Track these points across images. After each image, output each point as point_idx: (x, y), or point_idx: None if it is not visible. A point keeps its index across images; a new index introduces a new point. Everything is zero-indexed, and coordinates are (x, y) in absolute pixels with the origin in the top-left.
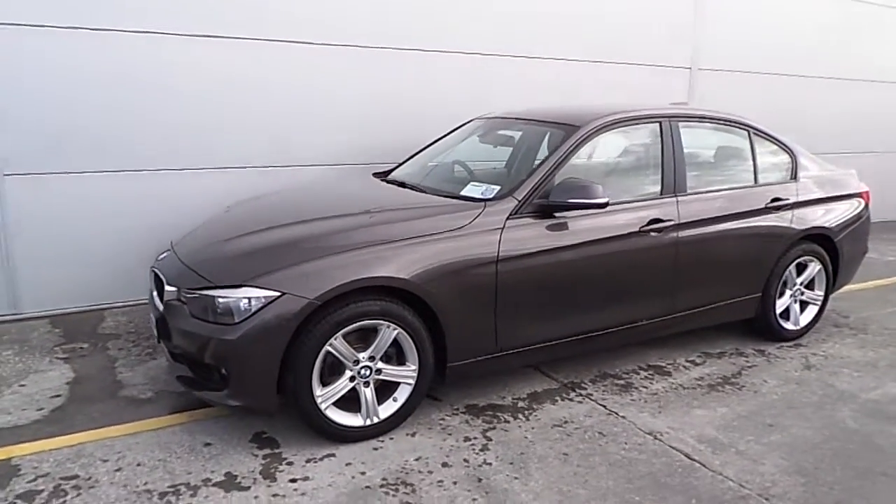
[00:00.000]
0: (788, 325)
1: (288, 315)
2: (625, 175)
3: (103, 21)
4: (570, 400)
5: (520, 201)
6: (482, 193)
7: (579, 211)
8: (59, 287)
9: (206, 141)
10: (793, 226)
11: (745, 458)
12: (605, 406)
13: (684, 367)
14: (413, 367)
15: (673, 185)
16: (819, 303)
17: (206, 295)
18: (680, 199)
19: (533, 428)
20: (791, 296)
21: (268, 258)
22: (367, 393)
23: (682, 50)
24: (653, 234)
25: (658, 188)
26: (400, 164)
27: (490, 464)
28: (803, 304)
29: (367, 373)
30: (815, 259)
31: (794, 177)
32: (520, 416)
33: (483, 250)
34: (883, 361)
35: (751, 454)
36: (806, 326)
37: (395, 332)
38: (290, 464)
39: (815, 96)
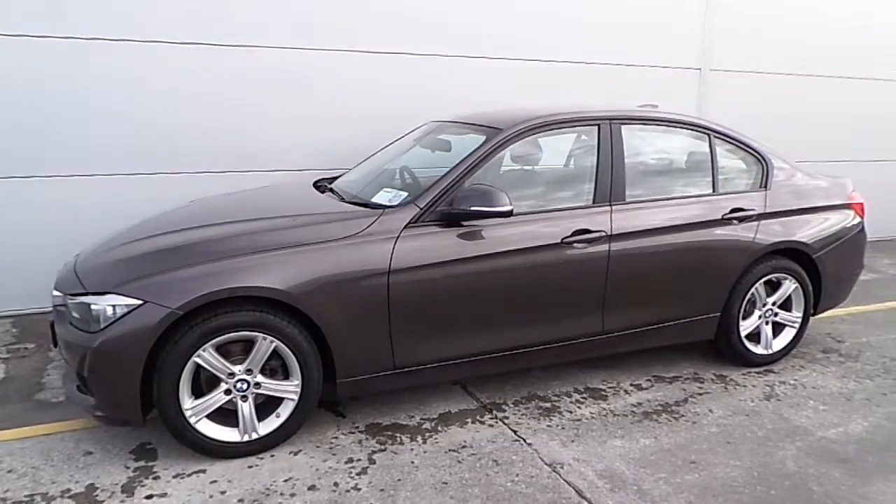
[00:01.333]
0: (757, 350)
1: (148, 324)
2: (553, 182)
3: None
4: (482, 423)
5: (422, 209)
6: (389, 200)
7: (493, 220)
8: (24, 287)
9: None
10: (758, 239)
11: (645, 499)
12: (515, 431)
13: (626, 391)
14: (296, 383)
15: (608, 193)
16: (796, 325)
17: (80, 301)
18: (615, 208)
19: (425, 452)
20: (760, 317)
21: (141, 265)
22: (245, 407)
23: (691, 49)
24: (577, 245)
25: (591, 196)
26: (351, 170)
27: (359, 489)
28: (778, 327)
29: (245, 386)
30: (789, 277)
31: (765, 185)
32: (419, 438)
33: (372, 260)
34: (860, 394)
35: (653, 495)
36: (780, 351)
37: (273, 344)
38: (156, 478)
39: (839, 98)
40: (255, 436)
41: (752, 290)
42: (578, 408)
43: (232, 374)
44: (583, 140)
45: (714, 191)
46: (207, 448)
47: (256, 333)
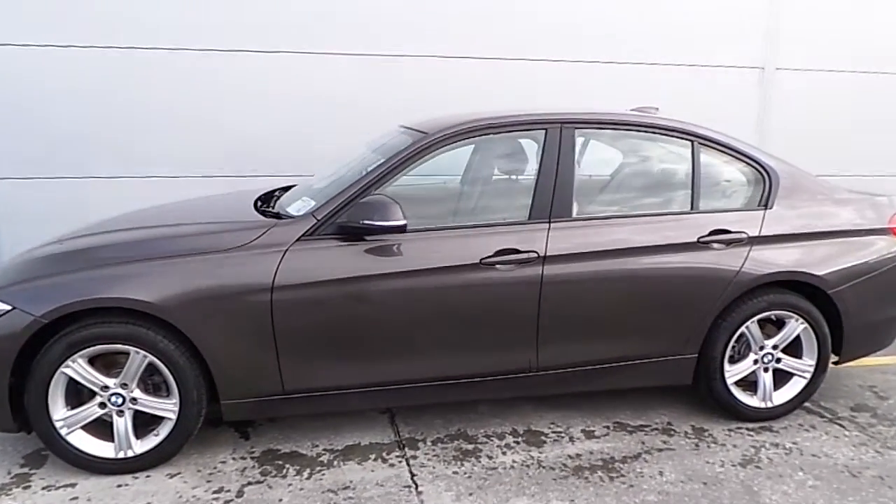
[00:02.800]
0: (751, 401)
1: (13, 331)
2: (487, 194)
3: None
4: (384, 460)
5: (318, 221)
6: (298, 210)
7: (406, 235)
8: None
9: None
10: (747, 268)
11: None
12: (414, 475)
13: (574, 438)
14: (174, 401)
15: (548, 207)
16: (807, 375)
17: None
18: (555, 226)
19: (301, 490)
20: (757, 362)
21: (35, 268)
22: (120, 423)
23: (752, 46)
24: (501, 268)
25: (527, 211)
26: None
27: None
28: (784, 375)
29: (120, 401)
30: (795, 315)
31: (765, 203)
32: (306, 471)
33: (254, 275)
34: (873, 470)
35: None
36: (784, 405)
37: (147, 359)
38: (27, 487)
39: None
40: (130, 453)
41: (743, 329)
42: (503, 454)
43: (106, 388)
44: (528, 147)
45: (692, 208)
46: (80, 461)
47: (129, 347)
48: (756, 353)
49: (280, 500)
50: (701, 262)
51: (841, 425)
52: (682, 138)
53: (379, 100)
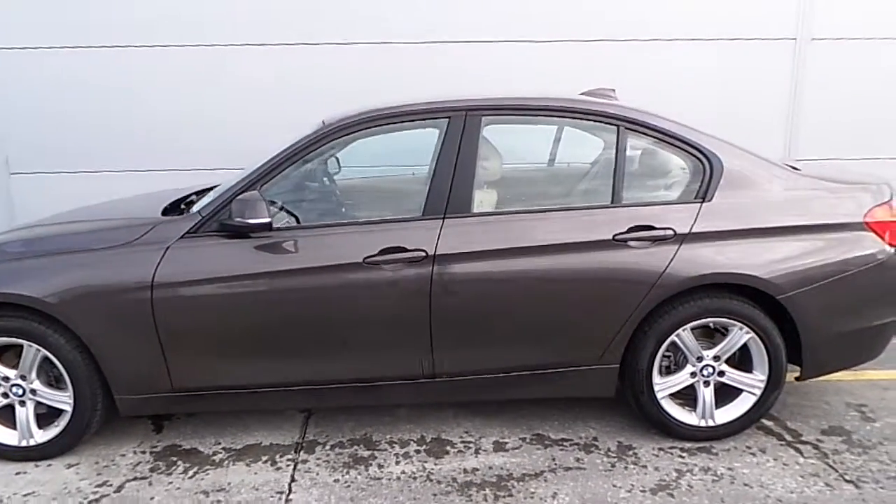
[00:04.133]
0: (688, 418)
1: None
2: (383, 189)
3: None
4: (273, 463)
5: (203, 218)
6: (198, 208)
7: (295, 232)
8: None
9: None
10: (674, 269)
11: None
12: (296, 481)
13: (481, 449)
14: (68, 394)
15: (444, 203)
16: (756, 391)
17: None
18: (450, 222)
19: (178, 489)
20: (695, 374)
21: None
22: (22, 413)
23: (783, 15)
24: (387, 267)
25: (421, 207)
26: None
27: None
28: (728, 391)
29: (20, 392)
30: (739, 324)
31: (703, 195)
32: (193, 470)
33: (136, 272)
34: None
35: None
36: (728, 425)
37: (40, 353)
38: None
39: None
40: (32, 442)
41: (673, 337)
42: (396, 463)
43: (7, 378)
44: (423, 137)
45: (613, 201)
46: None
47: (22, 341)
48: (693, 365)
49: (153, 498)
50: (617, 262)
51: (798, 450)
52: (605, 123)
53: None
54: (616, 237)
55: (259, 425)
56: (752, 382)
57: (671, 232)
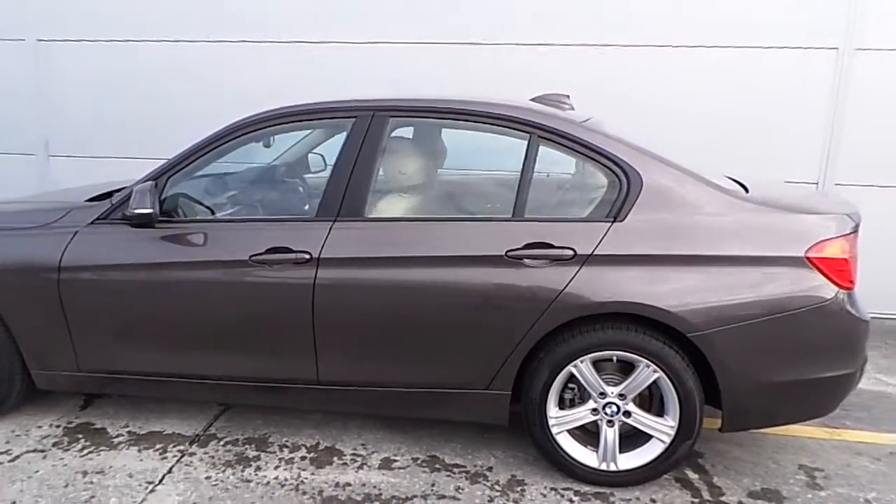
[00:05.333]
0: (587, 459)
1: None
2: (283, 186)
3: None
4: (162, 453)
5: (113, 205)
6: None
7: (198, 224)
8: None
9: None
10: (571, 292)
11: None
12: (171, 473)
13: (368, 465)
14: None
15: (338, 204)
16: (665, 439)
17: None
18: (340, 225)
19: (65, 465)
20: (596, 412)
21: None
22: None
23: (825, 23)
24: (275, 267)
25: (316, 207)
26: None
27: None
28: (640, 434)
29: None
30: (646, 361)
31: (615, 214)
32: (89, 449)
33: (46, 253)
34: None
35: None
36: (636, 472)
37: None
38: None
39: None
40: None
41: (571, 368)
42: (276, 468)
43: None
44: (333, 137)
45: (514, 215)
46: None
47: None
48: (595, 402)
49: (37, 471)
50: (508, 281)
51: None
52: (518, 129)
53: None
54: (509, 253)
55: (174, 414)
56: (662, 428)
57: (570, 252)
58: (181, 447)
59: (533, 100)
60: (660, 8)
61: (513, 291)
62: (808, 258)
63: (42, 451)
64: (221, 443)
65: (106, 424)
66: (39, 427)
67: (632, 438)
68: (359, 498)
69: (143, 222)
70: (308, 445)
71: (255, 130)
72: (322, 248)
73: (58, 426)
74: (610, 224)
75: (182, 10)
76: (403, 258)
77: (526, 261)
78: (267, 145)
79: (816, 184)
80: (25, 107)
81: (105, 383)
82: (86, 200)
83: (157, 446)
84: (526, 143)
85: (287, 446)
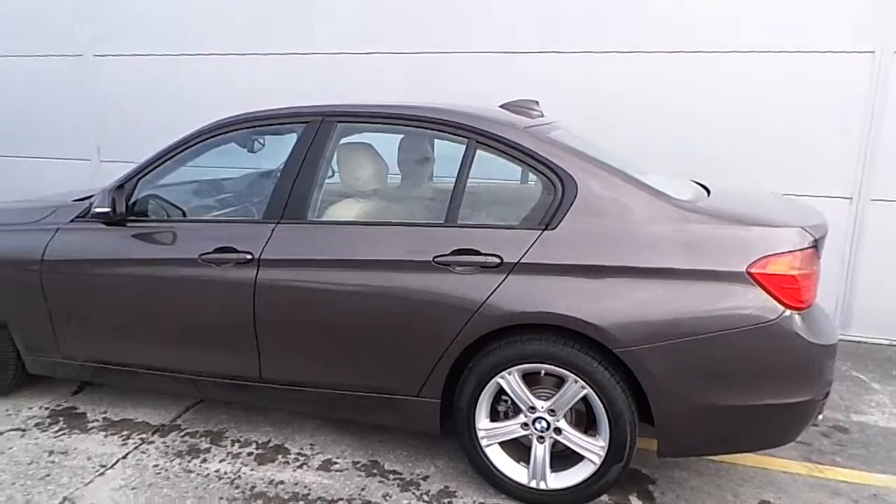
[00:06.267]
0: (518, 476)
1: None
2: (240, 187)
3: None
4: (125, 439)
5: (91, 205)
6: None
7: (166, 224)
8: None
9: None
10: (497, 301)
11: None
12: (124, 459)
13: (309, 465)
14: None
15: (282, 206)
16: (596, 460)
17: None
18: (283, 227)
19: (37, 444)
20: (526, 426)
21: None
22: None
23: (861, 24)
24: (221, 266)
25: (264, 208)
26: None
27: None
28: (574, 454)
29: None
30: (574, 375)
31: (548, 222)
32: (64, 432)
33: (33, 248)
34: None
35: None
36: (567, 492)
37: None
38: None
39: None
40: None
41: (499, 380)
42: (220, 461)
43: None
44: (289, 140)
45: (447, 220)
46: None
47: None
48: (526, 416)
49: (11, 448)
50: (435, 287)
51: None
52: (457, 134)
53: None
54: (436, 259)
55: (151, 404)
56: (592, 448)
57: (497, 260)
58: (144, 435)
59: (502, 106)
60: (674, 11)
61: (439, 298)
62: (750, 274)
63: (23, 430)
64: (181, 434)
65: (87, 410)
66: (30, 408)
67: (568, 457)
68: (286, 496)
69: (114, 221)
70: (259, 442)
71: (213, 137)
72: (263, 248)
73: (46, 408)
74: (541, 232)
75: (226, 25)
76: (338, 261)
77: (453, 267)
78: (251, 150)
79: (850, 199)
80: (82, 117)
81: (83, 371)
82: (73, 200)
83: (124, 433)
84: (464, 147)
85: (239, 441)
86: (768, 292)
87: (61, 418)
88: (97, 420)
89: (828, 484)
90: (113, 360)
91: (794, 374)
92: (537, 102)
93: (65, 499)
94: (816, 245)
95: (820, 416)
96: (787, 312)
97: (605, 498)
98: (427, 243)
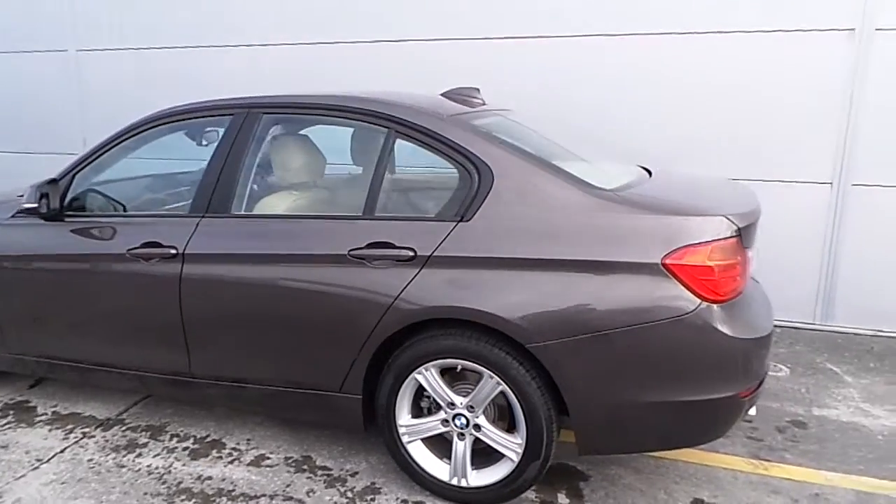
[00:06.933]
0: (440, 473)
1: None
2: (173, 181)
3: None
4: (68, 433)
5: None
6: None
7: (97, 219)
8: None
9: None
10: (409, 296)
11: None
12: (61, 453)
13: (241, 460)
14: None
15: (208, 200)
16: (514, 458)
17: None
18: (206, 221)
19: None
20: (446, 423)
21: None
22: None
23: (839, 1)
24: (145, 261)
25: (191, 202)
26: None
27: None
28: (494, 451)
29: None
30: (489, 371)
31: (463, 213)
32: (11, 426)
33: None
34: None
35: None
36: (487, 490)
37: None
38: None
39: None
40: None
41: (417, 375)
42: (154, 456)
43: None
44: (219, 132)
45: (365, 212)
46: None
47: None
48: (446, 412)
49: None
50: (351, 281)
51: None
52: (377, 124)
53: None
54: (352, 252)
55: (101, 398)
56: (510, 445)
57: (410, 253)
58: (86, 429)
59: (443, 94)
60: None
61: (355, 292)
62: (665, 265)
63: None
64: (123, 428)
65: (39, 404)
66: None
67: (491, 455)
68: (210, 492)
69: (47, 216)
70: (198, 437)
71: (145, 130)
72: (187, 243)
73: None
74: (455, 224)
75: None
76: (257, 256)
77: (369, 261)
78: (200, 144)
79: (831, 184)
80: (65, 110)
81: (38, 367)
82: (17, 195)
83: (68, 427)
84: (383, 137)
85: (178, 436)
86: (684, 284)
87: (11, 412)
88: (46, 414)
89: (769, 482)
90: (63, 357)
91: (714, 370)
92: (478, 90)
93: None
94: (740, 234)
95: (752, 412)
96: (704, 305)
97: (532, 496)
98: (344, 237)
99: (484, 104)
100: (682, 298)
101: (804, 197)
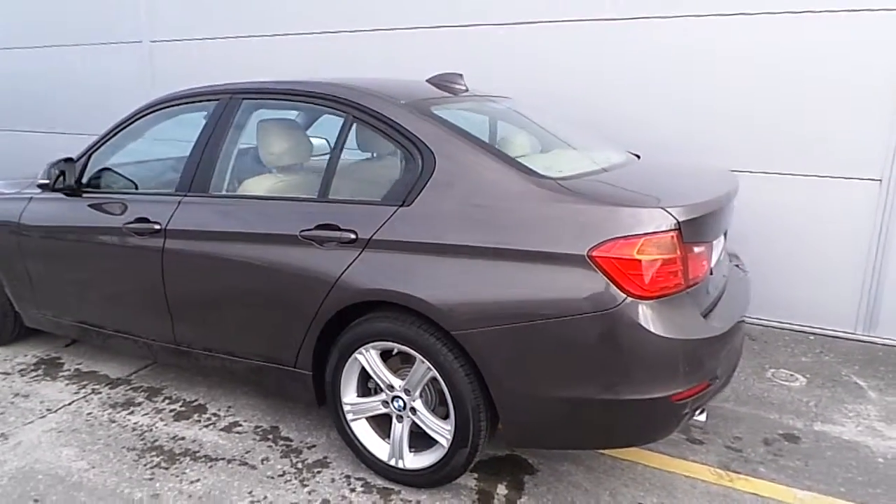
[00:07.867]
0: (380, 453)
1: None
2: (169, 163)
3: None
4: (81, 388)
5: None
6: None
7: (113, 195)
8: None
9: None
10: (349, 278)
11: None
12: (69, 405)
13: (214, 425)
14: None
15: (190, 180)
16: (446, 442)
17: None
18: (188, 200)
19: (9, 387)
20: (386, 404)
21: None
22: None
23: None
24: (134, 236)
25: (178, 182)
26: None
27: None
28: (427, 435)
29: None
30: (420, 356)
31: (405, 198)
32: (35, 377)
33: (12, 215)
34: None
35: None
36: (423, 474)
37: None
38: None
39: None
40: None
41: (358, 356)
42: (143, 415)
43: None
44: (206, 117)
45: (320, 195)
46: None
47: None
48: (386, 394)
49: None
50: (300, 261)
51: None
52: (337, 109)
53: None
54: (302, 233)
55: (121, 360)
56: (441, 431)
57: (352, 235)
58: (96, 386)
59: (428, 80)
60: None
61: (303, 272)
62: (591, 257)
63: (8, 374)
64: (127, 388)
65: (67, 361)
66: (25, 356)
67: (430, 440)
68: (178, 451)
69: (57, 189)
70: (187, 400)
71: (149, 114)
72: (169, 220)
73: (36, 357)
74: (396, 208)
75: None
76: (225, 233)
77: (317, 242)
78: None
79: (880, 181)
80: (141, 96)
81: (70, 329)
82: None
83: (83, 383)
84: (342, 122)
85: (171, 398)
86: (609, 278)
87: (43, 366)
88: (69, 370)
89: (730, 494)
90: (88, 322)
91: (641, 369)
92: (461, 75)
93: (1, 434)
94: (680, 228)
95: (701, 417)
96: (629, 301)
97: (471, 483)
98: (298, 218)
99: (466, 90)
100: (608, 293)
101: (850, 194)
